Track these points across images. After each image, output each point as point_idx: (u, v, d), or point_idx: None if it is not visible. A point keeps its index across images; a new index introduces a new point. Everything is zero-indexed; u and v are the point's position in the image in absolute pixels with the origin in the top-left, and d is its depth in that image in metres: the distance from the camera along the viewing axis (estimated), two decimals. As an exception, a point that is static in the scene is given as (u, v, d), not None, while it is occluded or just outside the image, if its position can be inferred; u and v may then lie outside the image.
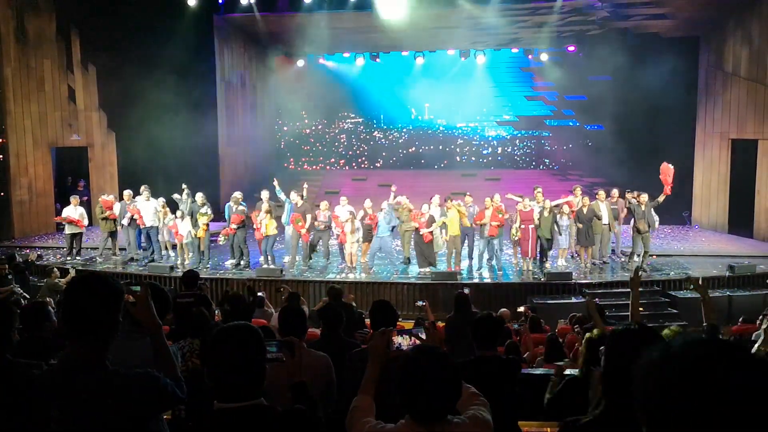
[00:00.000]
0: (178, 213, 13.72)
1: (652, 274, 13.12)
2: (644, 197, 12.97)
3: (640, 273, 4.98)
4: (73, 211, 14.26)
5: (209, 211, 13.60)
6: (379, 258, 13.77)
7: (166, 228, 13.99)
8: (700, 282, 4.81)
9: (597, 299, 11.67)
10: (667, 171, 13.01)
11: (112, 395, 2.24)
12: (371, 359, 2.80)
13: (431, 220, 13.06)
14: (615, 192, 14.18)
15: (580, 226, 13.45)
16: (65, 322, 2.37)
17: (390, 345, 2.81)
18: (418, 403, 2.30)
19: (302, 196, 13.73)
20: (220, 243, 14.03)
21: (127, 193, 14.35)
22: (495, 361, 4.19)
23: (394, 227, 13.46)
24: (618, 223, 14.28)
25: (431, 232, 13.04)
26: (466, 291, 9.25)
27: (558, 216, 13.36)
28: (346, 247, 13.38)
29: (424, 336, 2.90)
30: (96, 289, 2.34)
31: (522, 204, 13.25)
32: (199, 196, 13.73)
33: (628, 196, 13.62)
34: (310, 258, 13.97)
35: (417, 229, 13.03)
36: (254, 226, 13.54)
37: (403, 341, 2.89)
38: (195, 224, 13.62)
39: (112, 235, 14.43)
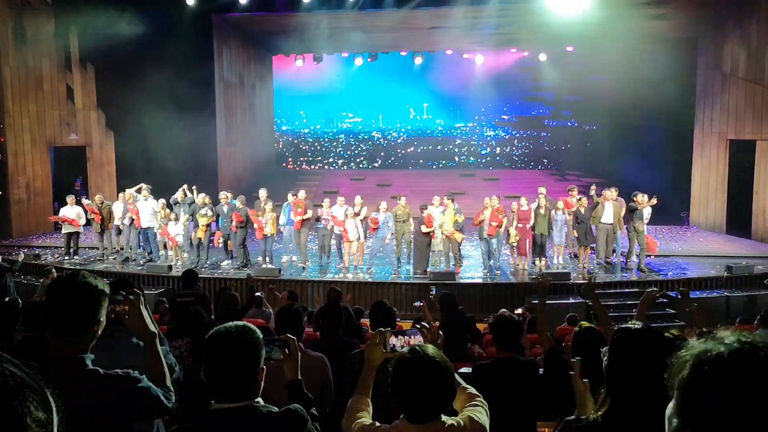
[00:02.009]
0: (172, 216, 13.70)
1: (650, 274, 13.13)
2: (642, 197, 12.99)
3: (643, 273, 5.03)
4: (70, 210, 14.25)
5: (209, 212, 13.59)
6: (377, 258, 13.78)
7: (160, 230, 13.99)
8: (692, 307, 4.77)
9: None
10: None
11: (91, 394, 2.23)
12: (368, 359, 2.80)
13: (431, 219, 13.07)
14: (614, 191, 14.06)
15: (575, 233, 13.43)
16: (47, 321, 2.37)
17: (386, 346, 2.81)
18: (411, 403, 2.30)
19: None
20: (218, 245, 14.06)
21: (128, 192, 14.34)
22: (514, 363, 4.17)
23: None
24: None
25: (433, 232, 13.03)
26: (433, 291, 9.31)
27: (553, 212, 13.40)
28: (346, 246, 13.36)
29: (420, 339, 2.89)
30: (78, 289, 2.33)
31: (518, 203, 13.32)
32: (201, 197, 13.74)
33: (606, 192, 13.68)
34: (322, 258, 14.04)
35: (426, 233, 12.98)
36: (255, 226, 13.49)
37: (398, 342, 2.89)
38: (196, 225, 13.66)
39: (102, 234, 14.37)
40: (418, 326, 2.96)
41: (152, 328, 2.66)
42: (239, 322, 2.39)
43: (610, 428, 2.11)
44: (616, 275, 13.16)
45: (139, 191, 14.25)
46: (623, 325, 2.32)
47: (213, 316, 6.50)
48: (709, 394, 1.06)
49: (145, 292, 10.02)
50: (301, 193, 13.88)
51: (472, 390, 2.68)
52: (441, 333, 2.97)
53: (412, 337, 2.92)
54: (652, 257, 13.96)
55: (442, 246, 13.35)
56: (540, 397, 4.25)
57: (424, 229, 12.92)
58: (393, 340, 2.86)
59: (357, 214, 13.29)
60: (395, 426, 2.36)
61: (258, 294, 9.88)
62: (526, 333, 8.42)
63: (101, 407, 2.24)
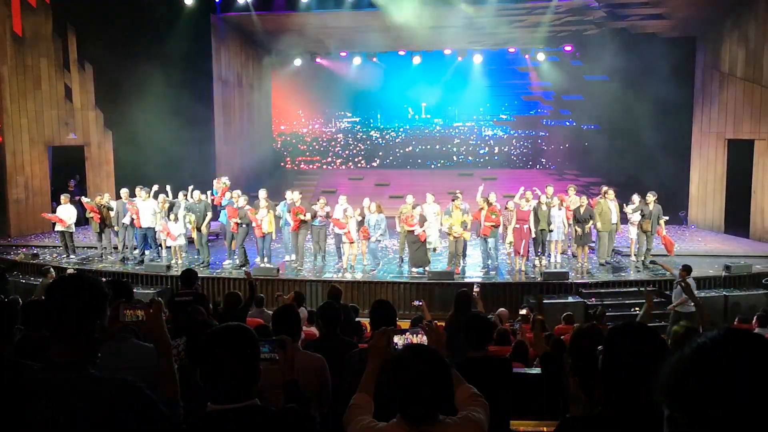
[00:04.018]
0: (171, 216, 13.70)
1: (648, 274, 13.17)
2: (650, 197, 13.16)
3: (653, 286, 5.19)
4: (63, 209, 14.24)
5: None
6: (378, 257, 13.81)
7: (160, 227, 13.98)
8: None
9: (593, 299, 11.74)
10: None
11: (91, 401, 2.14)
12: (371, 358, 2.79)
13: (423, 220, 13.02)
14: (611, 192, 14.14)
15: (578, 230, 13.42)
16: (47, 322, 2.28)
17: (390, 344, 2.81)
18: (407, 403, 2.29)
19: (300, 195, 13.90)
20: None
21: (124, 191, 14.33)
22: (484, 363, 4.13)
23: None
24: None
25: (424, 231, 12.98)
26: (476, 289, 9.26)
27: (552, 209, 13.48)
28: (346, 247, 13.34)
29: (425, 337, 2.89)
30: (78, 292, 2.25)
31: (518, 202, 13.33)
32: (197, 194, 13.73)
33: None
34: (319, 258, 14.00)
35: (411, 232, 12.96)
36: (253, 225, 13.47)
37: (401, 341, 2.89)
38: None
39: (100, 234, 14.35)
40: (421, 325, 2.96)
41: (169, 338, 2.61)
42: (235, 323, 2.38)
43: (607, 425, 2.12)
44: (615, 275, 13.17)
45: (133, 194, 14.28)
46: (618, 323, 2.33)
47: (211, 316, 6.51)
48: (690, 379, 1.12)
49: (143, 291, 10.01)
50: (296, 195, 13.83)
51: (475, 390, 2.68)
52: (445, 332, 2.97)
53: (417, 336, 2.92)
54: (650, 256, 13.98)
55: (449, 246, 13.27)
56: (514, 395, 4.23)
57: (405, 227, 12.94)
58: (397, 339, 2.87)
59: (362, 215, 13.29)
60: (392, 425, 2.36)
61: (260, 295, 9.93)
62: (524, 333, 8.44)
63: (100, 415, 2.14)
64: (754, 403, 1.07)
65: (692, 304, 9.94)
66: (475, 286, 10.38)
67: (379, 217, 13.25)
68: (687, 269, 10.23)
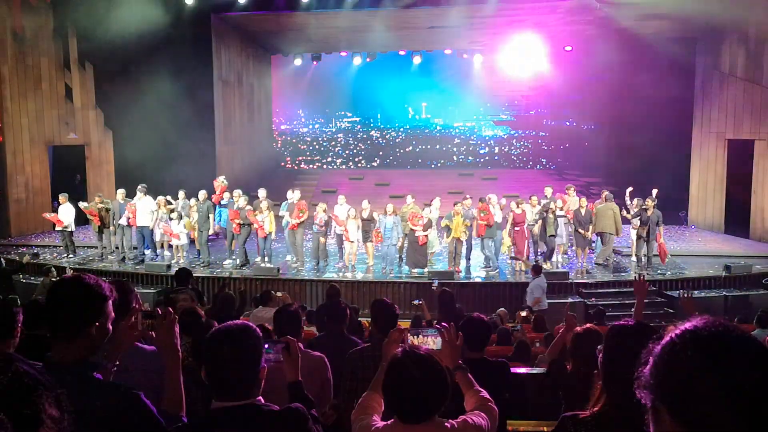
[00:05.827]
0: (174, 215, 13.71)
1: (649, 274, 13.16)
2: (649, 202, 13.13)
3: (644, 276, 5.17)
4: (63, 209, 14.24)
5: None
6: (375, 258, 13.80)
7: (161, 228, 13.96)
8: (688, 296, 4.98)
9: (594, 299, 11.73)
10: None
11: (88, 403, 2.07)
12: (385, 357, 2.79)
13: (429, 224, 13.00)
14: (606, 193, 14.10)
15: (582, 231, 13.40)
16: (48, 322, 2.27)
17: (405, 345, 2.81)
18: (403, 404, 2.30)
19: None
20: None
21: (121, 191, 14.32)
22: (482, 364, 4.11)
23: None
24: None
25: (426, 235, 12.96)
26: (435, 285, 9.42)
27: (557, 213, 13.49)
28: (346, 246, 13.33)
29: (439, 339, 2.89)
30: (79, 293, 2.23)
31: (516, 207, 13.32)
32: (202, 194, 13.72)
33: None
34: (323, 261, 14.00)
35: (413, 230, 12.96)
36: (255, 226, 13.45)
37: (417, 341, 2.89)
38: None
39: (100, 234, 14.36)
40: (439, 326, 2.96)
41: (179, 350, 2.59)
42: (240, 321, 2.40)
43: (607, 423, 2.12)
44: (615, 275, 13.17)
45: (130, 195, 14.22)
46: (617, 322, 2.34)
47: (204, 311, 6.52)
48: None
49: (143, 291, 10.00)
50: (297, 194, 13.83)
51: (485, 395, 2.68)
52: (461, 334, 2.96)
53: (431, 337, 2.92)
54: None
55: (449, 245, 13.26)
56: (515, 395, 4.23)
57: (409, 225, 12.95)
58: (411, 339, 2.87)
59: (365, 219, 13.26)
60: (389, 426, 2.37)
61: (258, 296, 9.89)
62: (525, 334, 8.46)
63: (97, 419, 2.11)
64: (729, 394, 1.08)
65: (546, 303, 10.36)
66: (435, 282, 10.46)
67: (396, 218, 13.25)
68: (536, 270, 10.42)
